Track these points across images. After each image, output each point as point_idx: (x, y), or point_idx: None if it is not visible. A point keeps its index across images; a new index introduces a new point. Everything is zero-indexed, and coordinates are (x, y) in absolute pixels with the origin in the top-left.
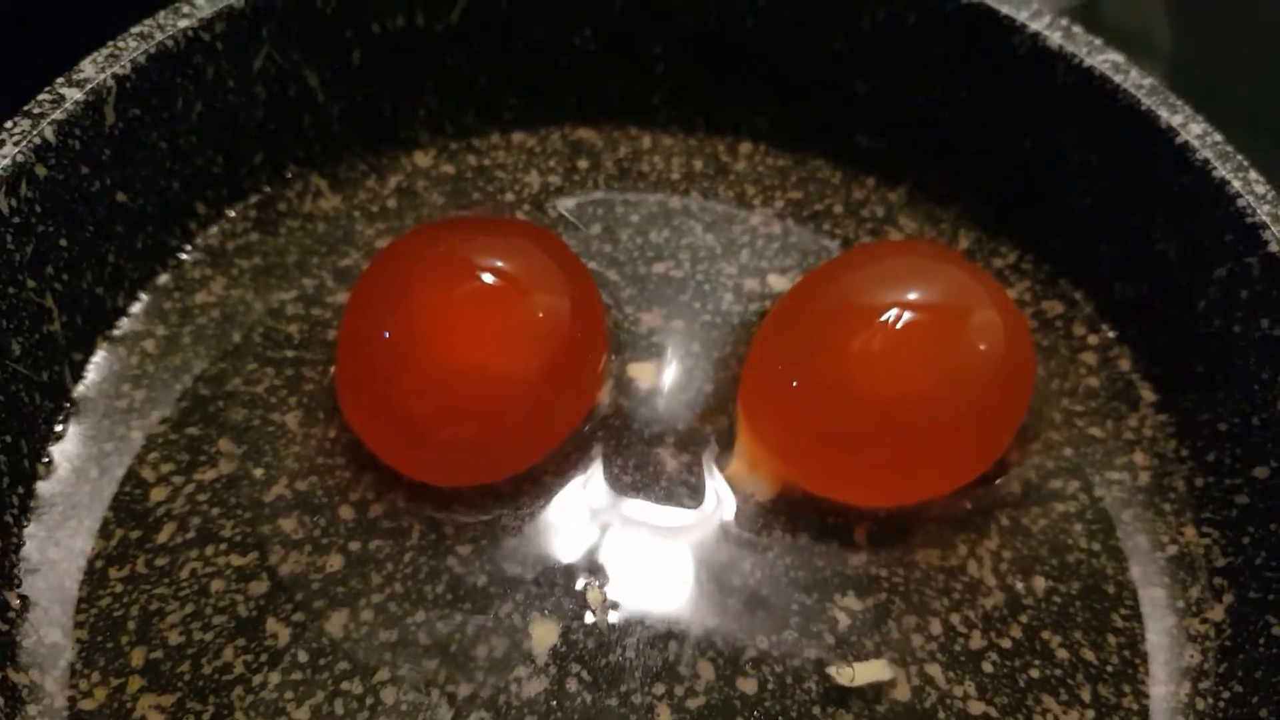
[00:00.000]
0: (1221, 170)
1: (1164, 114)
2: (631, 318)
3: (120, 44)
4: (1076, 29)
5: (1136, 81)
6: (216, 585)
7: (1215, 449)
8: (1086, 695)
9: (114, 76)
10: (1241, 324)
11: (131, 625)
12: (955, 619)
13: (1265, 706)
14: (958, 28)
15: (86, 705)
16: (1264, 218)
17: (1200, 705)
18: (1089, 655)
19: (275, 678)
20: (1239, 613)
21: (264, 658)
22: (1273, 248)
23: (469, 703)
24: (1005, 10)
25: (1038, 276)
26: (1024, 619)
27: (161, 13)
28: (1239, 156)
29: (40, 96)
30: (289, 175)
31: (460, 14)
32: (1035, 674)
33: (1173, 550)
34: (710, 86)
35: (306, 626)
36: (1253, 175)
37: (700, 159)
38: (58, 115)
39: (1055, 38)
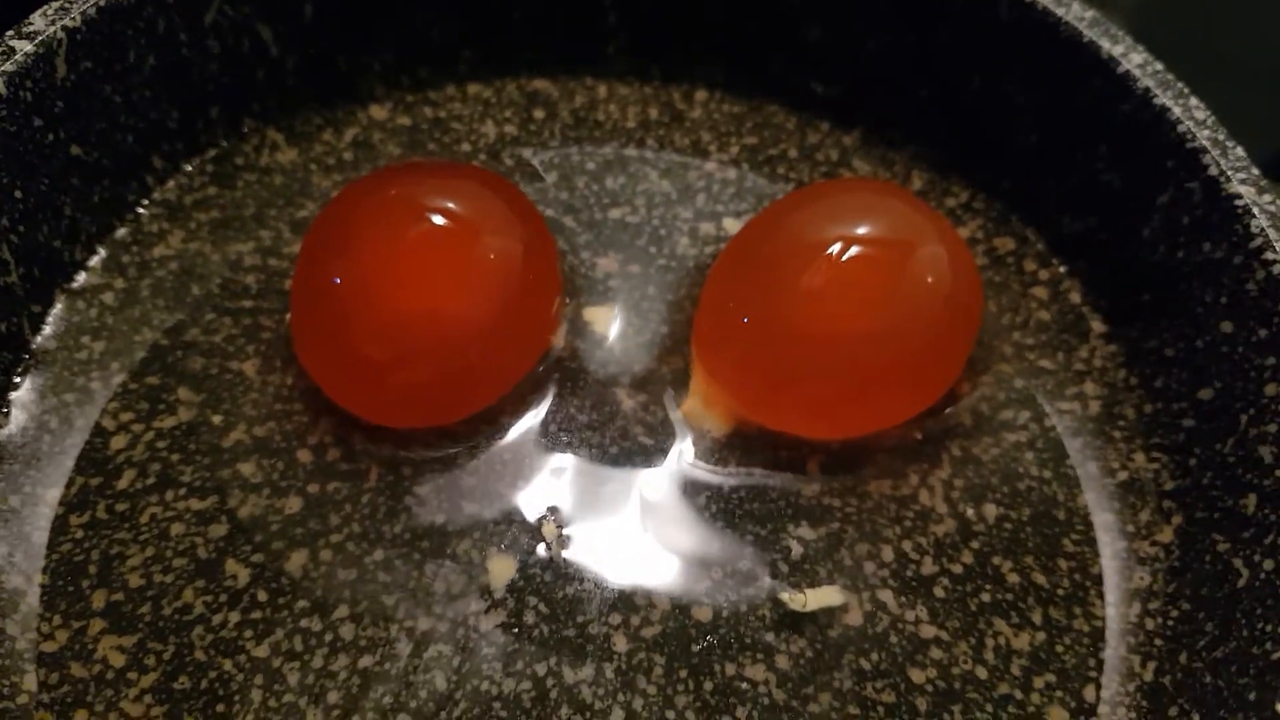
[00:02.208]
0: (1162, 97)
1: (1105, 44)
2: (588, 263)
3: None
4: None
5: (1078, 14)
6: (176, 529)
7: (1162, 375)
8: (1038, 618)
9: (64, 29)
10: (1184, 249)
11: (92, 570)
12: (907, 546)
13: (1210, 621)
14: None
15: (48, 647)
16: (1204, 142)
17: (1150, 625)
18: (1040, 579)
19: (235, 617)
20: (1186, 533)
21: (223, 598)
22: (1212, 171)
23: (427, 636)
24: None
25: (989, 215)
26: (975, 545)
27: None
28: (1179, 84)
29: None
30: (245, 129)
31: None
32: (986, 598)
33: (1123, 476)
34: (664, 36)
35: (266, 567)
36: (1193, 101)
37: (655, 107)
38: (8, 67)
39: None
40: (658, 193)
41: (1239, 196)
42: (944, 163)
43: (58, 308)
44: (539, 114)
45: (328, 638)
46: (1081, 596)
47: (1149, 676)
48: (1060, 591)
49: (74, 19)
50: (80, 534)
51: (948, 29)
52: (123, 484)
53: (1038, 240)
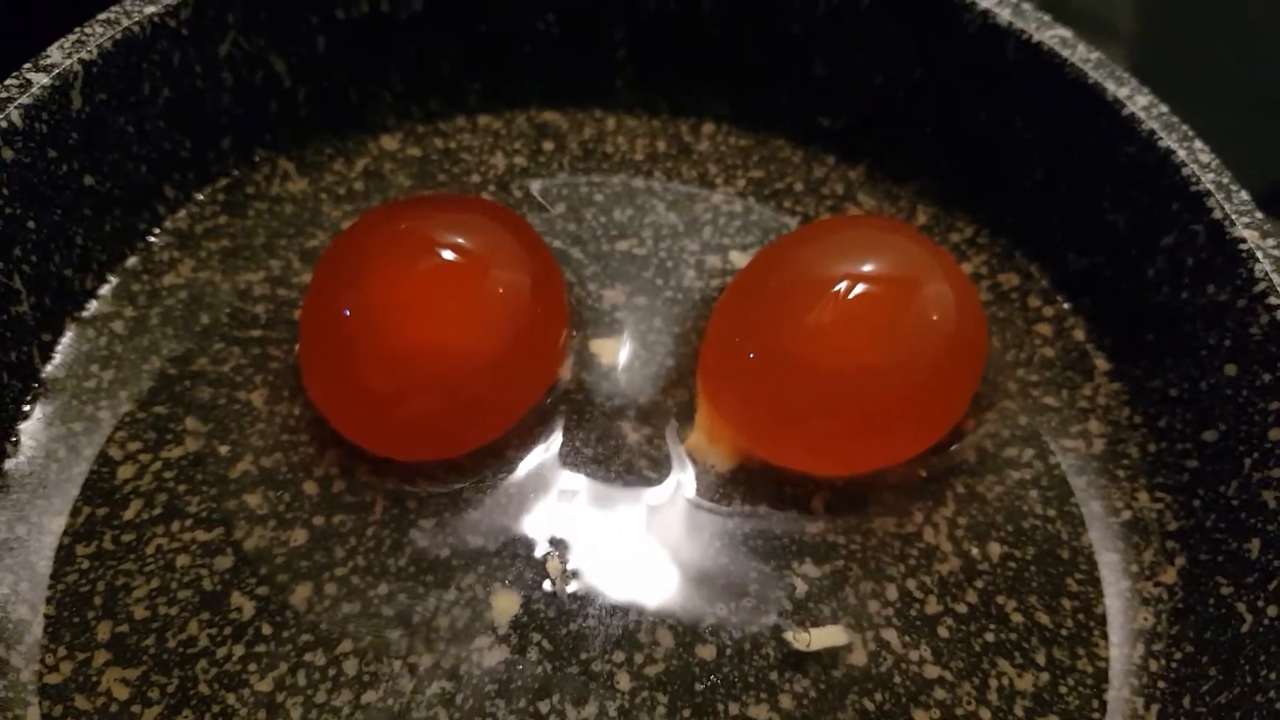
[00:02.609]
0: (1167, 140)
1: (1111, 86)
2: (594, 294)
3: (87, 30)
4: (1026, 6)
5: (1084, 55)
6: (182, 560)
7: (1167, 415)
8: (1041, 658)
9: (80, 62)
10: (1188, 290)
11: (98, 601)
12: (911, 584)
13: (1214, 665)
14: (910, 8)
15: (53, 679)
16: (1208, 185)
17: (1153, 666)
18: (1044, 619)
19: (239, 650)
20: (1190, 575)
21: (228, 631)
22: (1216, 215)
23: (431, 672)
24: None
25: (994, 250)
26: (979, 584)
27: (128, 0)
28: (1184, 127)
29: (7, 82)
30: (257, 159)
31: (424, 0)
32: (991, 638)
33: (1127, 515)
34: (672, 70)
35: (270, 600)
36: (1198, 145)
37: (663, 140)
38: (24, 100)
39: (1005, 14)
40: (665, 225)
41: (1243, 240)
42: (949, 197)
43: (68, 336)
44: (548, 145)
45: (331, 672)
46: (1085, 637)
47: (1153, 719)
48: (1064, 632)
49: (90, 52)
50: (86, 564)
51: (954, 66)
52: (129, 514)
53: (1042, 276)
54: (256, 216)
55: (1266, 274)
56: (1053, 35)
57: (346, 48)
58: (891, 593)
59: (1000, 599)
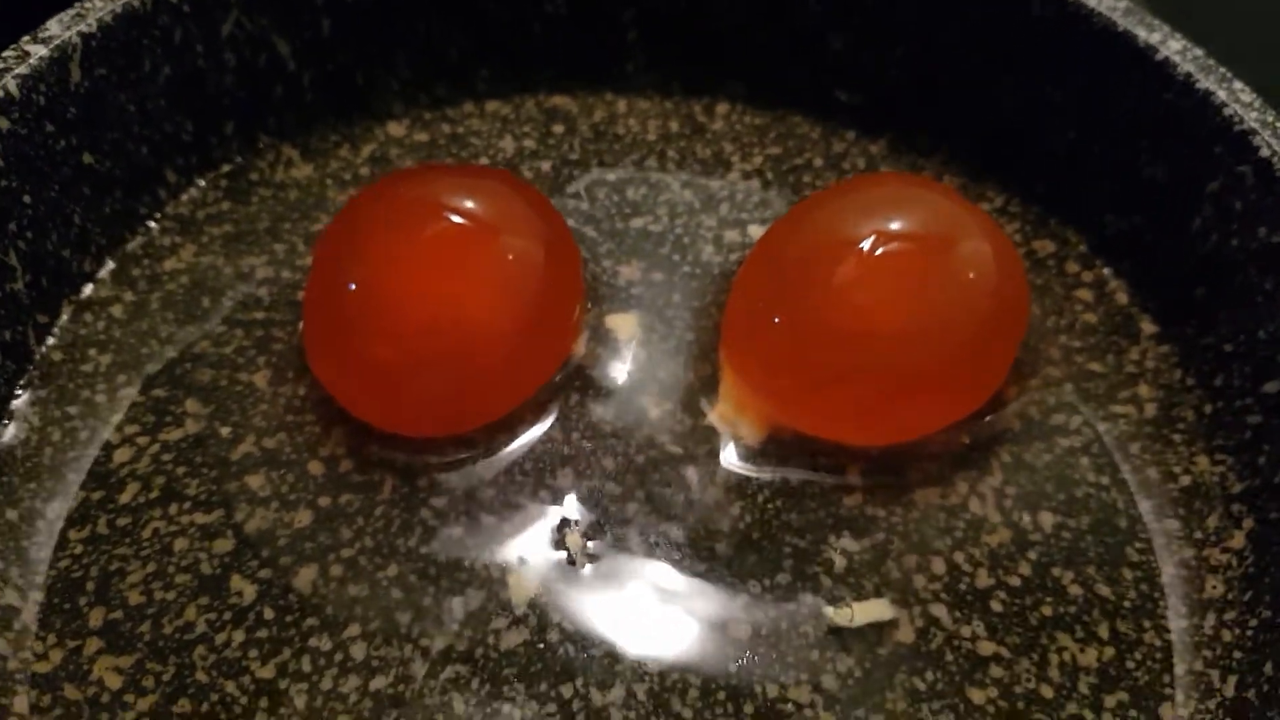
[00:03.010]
0: (1205, 82)
1: (1142, 33)
2: (610, 271)
3: (86, 4)
4: None
5: (1111, 4)
6: (180, 544)
7: (1222, 372)
8: (1104, 632)
9: (79, 34)
10: (1239, 236)
11: (90, 586)
12: (959, 557)
13: None
14: None
15: (42, 668)
16: (1253, 124)
17: (1227, 636)
18: (1104, 591)
19: (239, 636)
20: (1260, 537)
21: (228, 616)
22: (1264, 153)
23: (444, 656)
24: None
25: (1027, 218)
26: (1032, 555)
27: None
28: (1221, 69)
29: (5, 53)
30: (261, 145)
31: None
32: (1048, 611)
33: (1186, 481)
34: (684, 50)
35: (273, 583)
36: (1237, 85)
37: (676, 120)
38: (21, 70)
39: None
40: (680, 202)
41: None
42: (977, 167)
43: (64, 319)
44: (558, 129)
45: (338, 658)
46: (1150, 609)
47: (1230, 692)
48: (1127, 604)
49: (89, 25)
50: (79, 549)
51: (976, 30)
52: (125, 498)
53: (1079, 242)
54: (260, 202)
55: None
56: None
57: (352, 31)
58: (939, 566)
59: (1056, 570)
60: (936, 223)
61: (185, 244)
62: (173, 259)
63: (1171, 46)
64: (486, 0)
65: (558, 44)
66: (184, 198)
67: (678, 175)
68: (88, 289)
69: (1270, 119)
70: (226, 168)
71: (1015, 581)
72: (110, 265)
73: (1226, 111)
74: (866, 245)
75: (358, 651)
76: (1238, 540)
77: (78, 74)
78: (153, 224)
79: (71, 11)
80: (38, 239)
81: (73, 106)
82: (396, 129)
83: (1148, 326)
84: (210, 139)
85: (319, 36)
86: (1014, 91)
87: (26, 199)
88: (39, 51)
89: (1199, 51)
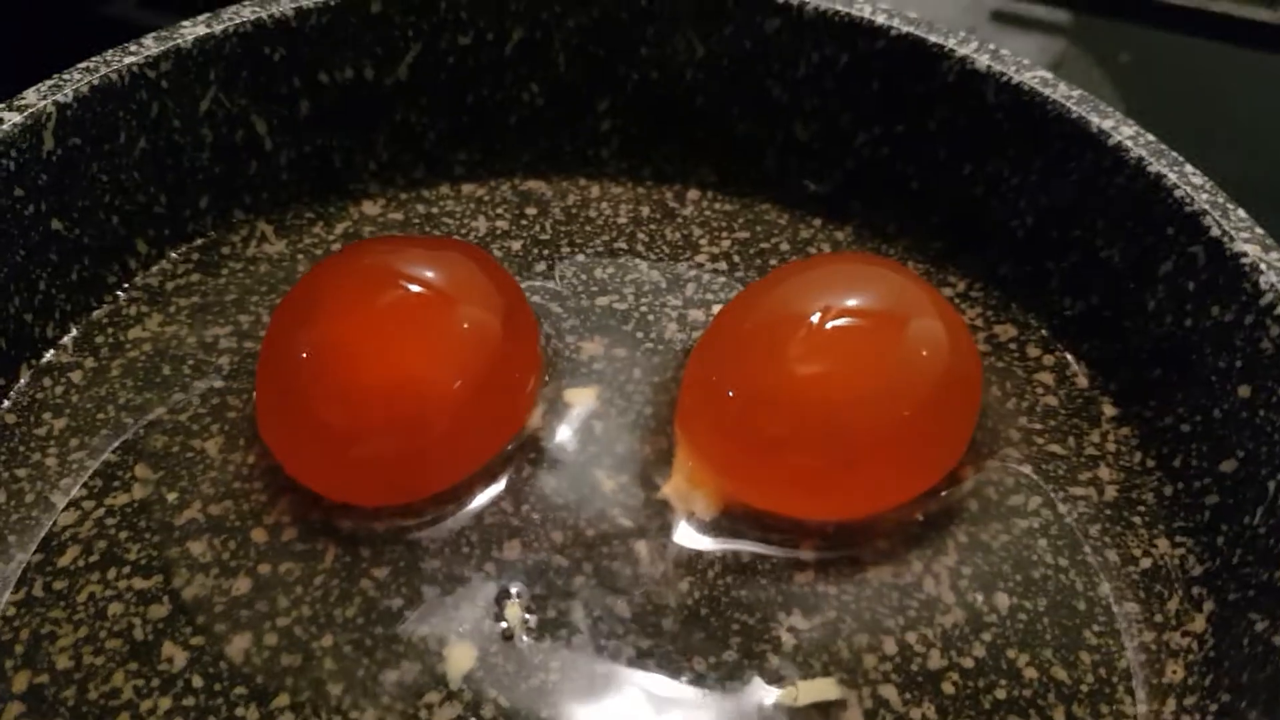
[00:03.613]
0: (1156, 165)
1: (1095, 119)
2: (572, 346)
3: (65, 76)
4: (1004, 51)
5: (1065, 93)
6: (114, 609)
7: (1181, 453)
8: (1060, 716)
9: (55, 104)
10: (1192, 316)
11: (19, 649)
12: (911, 637)
13: (1254, 709)
14: (889, 61)
15: None
16: (1203, 205)
17: None
18: (1061, 674)
19: (166, 703)
20: (1221, 619)
21: (155, 683)
22: (1214, 233)
23: None
24: (934, 38)
25: (988, 303)
26: (987, 637)
27: (110, 50)
28: (1173, 153)
29: None
30: (235, 220)
31: (408, 68)
32: (1002, 695)
33: (1146, 563)
34: (656, 139)
35: (205, 650)
36: (1188, 169)
37: (648, 205)
38: None
39: (983, 59)
40: (647, 282)
41: (1244, 255)
42: (940, 253)
43: (22, 382)
44: (531, 210)
45: None
46: (1108, 693)
47: None
48: (1084, 688)
49: (66, 95)
50: (11, 612)
51: (936, 117)
52: (64, 561)
53: (1040, 325)
54: (230, 275)
55: (1273, 285)
56: (1033, 76)
57: (330, 113)
58: (890, 646)
59: (1011, 653)
60: (886, 297)
61: (152, 313)
62: (137, 328)
63: (1124, 132)
64: (465, 88)
65: (534, 131)
66: (154, 269)
67: (646, 257)
68: (49, 354)
69: (1221, 200)
70: (199, 241)
71: (969, 663)
72: (74, 332)
73: (1178, 193)
74: (818, 316)
75: None
76: (1198, 624)
77: (51, 142)
78: (120, 293)
79: (50, 82)
80: None
81: (44, 174)
82: (371, 208)
83: (1108, 409)
84: (184, 212)
85: (296, 117)
86: (973, 179)
87: None
88: (12, 118)
89: (1151, 137)
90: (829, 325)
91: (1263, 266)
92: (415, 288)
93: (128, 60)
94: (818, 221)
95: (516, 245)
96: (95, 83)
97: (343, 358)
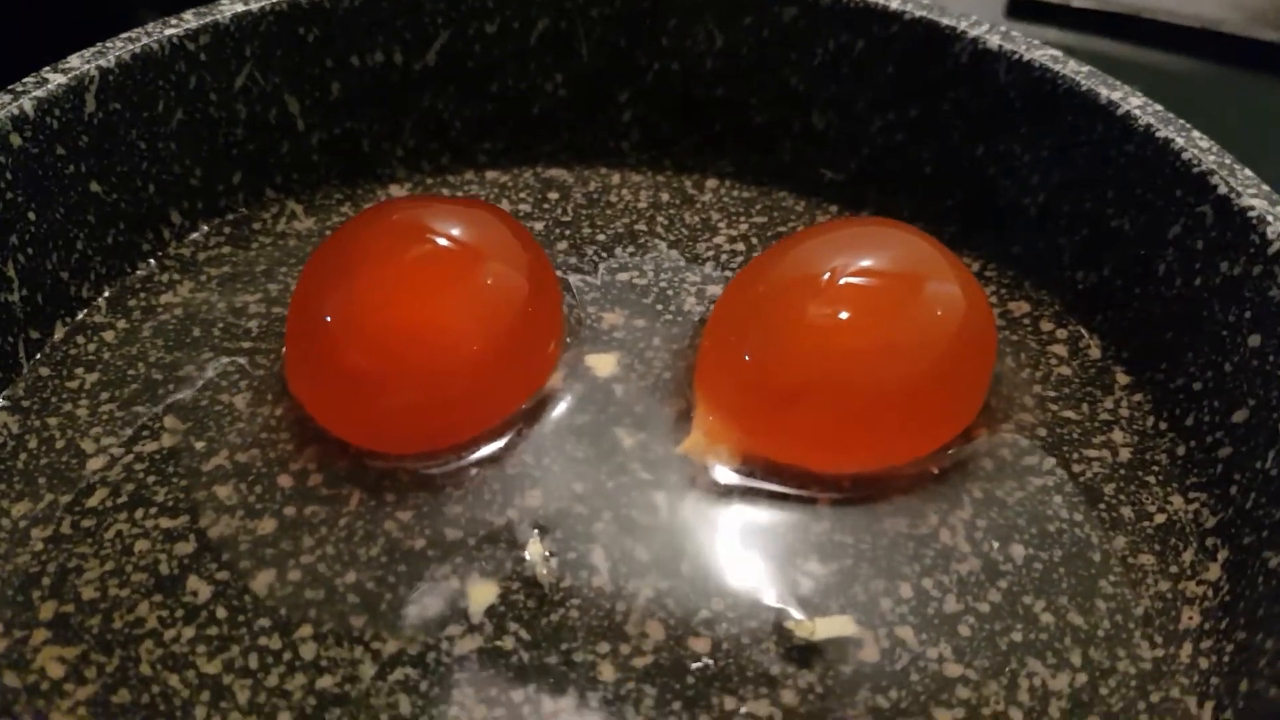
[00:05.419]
0: (1164, 131)
1: (1104, 91)
2: (594, 316)
3: (108, 43)
4: (1015, 32)
5: (1075, 69)
6: (141, 545)
7: (1193, 411)
8: (1076, 659)
9: (98, 69)
10: (1201, 275)
11: (46, 581)
12: (927, 583)
13: (1270, 638)
14: (903, 45)
15: None
16: (1210, 165)
17: (1204, 664)
18: (1076, 619)
19: (189, 632)
20: (1235, 564)
21: (180, 613)
22: (1222, 190)
23: (394, 659)
24: (946, 21)
25: (1002, 281)
26: (1003, 584)
27: (151, 23)
28: (1180, 120)
29: (25, 80)
30: (266, 198)
31: (436, 54)
32: (1018, 637)
33: (1161, 519)
34: (676, 131)
35: (230, 585)
36: (1195, 134)
37: (667, 192)
38: (38, 93)
39: (994, 39)
40: (666, 260)
41: (1251, 209)
42: (954, 234)
43: (57, 337)
44: (553, 195)
45: (286, 656)
46: (1125, 638)
47: (1207, 717)
48: (1100, 632)
49: (108, 60)
50: (40, 547)
51: (949, 99)
52: (92, 502)
53: (1053, 301)
54: (260, 248)
55: None
56: (1043, 54)
57: (360, 96)
58: (905, 590)
59: (1027, 599)
60: (902, 252)
61: (183, 280)
62: (169, 293)
63: (1132, 103)
64: (491, 79)
65: (557, 122)
66: (187, 239)
67: (665, 238)
68: (83, 313)
69: (1227, 160)
70: (231, 215)
71: (985, 608)
72: (108, 293)
73: (1186, 155)
74: (834, 272)
75: (307, 651)
76: (1213, 572)
77: (93, 104)
78: (153, 261)
79: (93, 49)
80: (38, 255)
81: (85, 135)
82: (398, 191)
83: (1122, 377)
84: (217, 186)
85: (327, 99)
86: (986, 158)
87: (31, 215)
88: (57, 79)
89: (1158, 106)
90: (845, 280)
91: (1269, 218)
92: (444, 242)
93: (168, 32)
94: (834, 208)
95: (539, 226)
96: (136, 51)
97: (372, 307)
